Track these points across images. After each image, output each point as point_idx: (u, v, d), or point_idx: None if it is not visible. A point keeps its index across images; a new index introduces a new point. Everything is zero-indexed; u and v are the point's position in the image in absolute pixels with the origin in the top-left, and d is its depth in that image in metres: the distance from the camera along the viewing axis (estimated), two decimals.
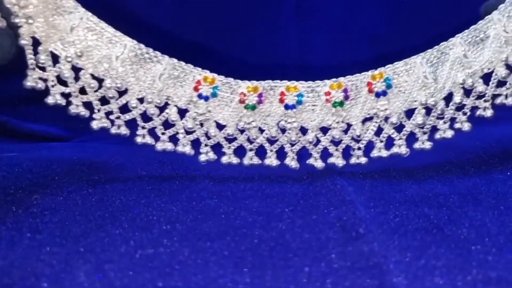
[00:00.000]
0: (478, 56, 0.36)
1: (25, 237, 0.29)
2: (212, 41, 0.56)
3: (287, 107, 0.37)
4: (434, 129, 0.38)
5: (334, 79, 0.38)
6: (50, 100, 0.36)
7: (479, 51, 0.36)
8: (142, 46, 0.37)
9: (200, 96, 0.37)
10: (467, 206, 0.33)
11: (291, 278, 0.25)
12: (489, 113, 0.37)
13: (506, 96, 0.37)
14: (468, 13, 0.40)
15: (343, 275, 0.25)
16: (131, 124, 0.38)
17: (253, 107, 0.37)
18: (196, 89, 0.37)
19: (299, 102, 0.37)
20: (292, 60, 0.55)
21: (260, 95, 0.37)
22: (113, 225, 0.31)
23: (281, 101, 0.38)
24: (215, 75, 0.38)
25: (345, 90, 0.37)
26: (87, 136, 0.56)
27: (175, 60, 0.37)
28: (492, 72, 0.37)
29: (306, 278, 0.25)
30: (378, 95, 0.37)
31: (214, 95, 0.37)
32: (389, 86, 0.37)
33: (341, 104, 0.37)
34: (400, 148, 0.38)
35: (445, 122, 0.37)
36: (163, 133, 0.38)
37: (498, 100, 0.37)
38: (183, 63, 0.38)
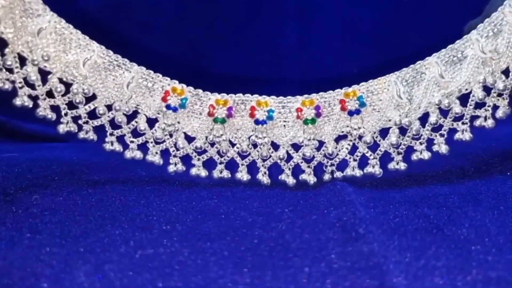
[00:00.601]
0: (455, 76, 0.35)
1: (25, 237, 0.29)
2: (211, 43, 0.56)
3: (257, 122, 0.36)
4: (412, 149, 0.37)
5: (306, 95, 0.37)
6: (17, 101, 0.36)
7: (456, 71, 0.35)
8: (111, 52, 0.36)
9: (168, 107, 0.36)
10: (467, 206, 0.33)
11: (291, 278, 0.25)
12: (467, 136, 0.36)
13: (485, 118, 0.36)
14: (472, 16, 0.40)
15: (343, 275, 0.25)
16: (100, 131, 0.38)
17: (222, 121, 0.36)
18: (164, 99, 0.36)
19: (270, 118, 0.36)
20: (293, 63, 0.55)
21: (229, 109, 0.36)
22: (113, 226, 0.31)
23: (252, 116, 0.36)
24: (184, 86, 0.37)
25: (317, 107, 0.36)
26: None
27: (144, 69, 0.37)
28: (470, 93, 0.35)
29: (306, 278, 0.25)
30: (351, 113, 0.36)
31: (182, 106, 0.37)
32: (362, 105, 0.36)
33: (312, 121, 0.36)
34: (374, 168, 0.37)
35: (421, 143, 0.36)
36: (131, 141, 0.38)
37: (477, 122, 0.36)
38: (152, 72, 0.37)
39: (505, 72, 0.35)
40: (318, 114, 0.36)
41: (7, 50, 0.36)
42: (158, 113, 0.37)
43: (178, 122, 0.37)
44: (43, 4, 0.36)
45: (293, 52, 0.57)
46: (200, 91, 0.37)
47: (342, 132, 0.37)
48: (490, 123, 0.35)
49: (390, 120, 0.36)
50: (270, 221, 0.32)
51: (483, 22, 0.35)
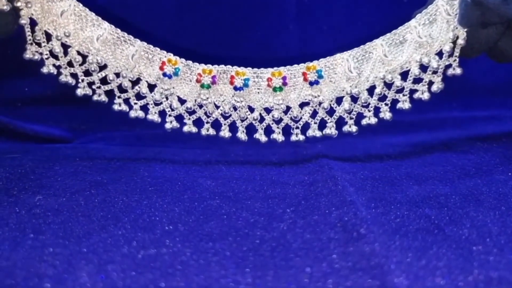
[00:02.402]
0: (397, 56, 0.42)
1: (28, 237, 0.30)
2: (213, 42, 0.57)
3: (236, 88, 0.43)
4: (361, 116, 0.43)
5: (276, 68, 0.43)
6: (44, 69, 0.43)
7: (399, 52, 0.42)
8: (119, 30, 0.43)
9: (164, 75, 0.43)
10: (468, 206, 0.33)
11: (293, 279, 0.25)
12: (407, 106, 0.43)
13: (422, 92, 0.42)
14: None
15: (344, 276, 0.25)
16: (110, 95, 0.45)
17: (208, 86, 0.43)
18: (161, 68, 0.43)
19: (246, 85, 0.43)
20: (293, 61, 0.55)
21: (213, 77, 0.43)
22: (115, 226, 0.31)
23: (231, 83, 0.43)
24: (177, 58, 0.44)
25: (284, 78, 0.43)
26: (90, 137, 0.57)
27: (145, 44, 0.44)
28: (409, 70, 0.42)
29: (308, 279, 0.25)
30: (311, 83, 0.43)
31: (176, 74, 0.43)
32: (320, 77, 0.43)
33: (280, 89, 0.43)
34: (331, 129, 0.43)
35: (369, 111, 0.43)
36: (135, 103, 0.44)
37: (416, 95, 0.42)
38: (152, 47, 0.44)
39: (439, 54, 0.41)
40: (284, 83, 0.43)
41: (36, 27, 0.43)
42: (157, 80, 0.44)
43: (173, 87, 0.44)
44: None
45: (293, 52, 0.57)
46: (190, 62, 0.44)
47: (305, 99, 0.43)
48: (426, 95, 0.42)
49: (343, 90, 0.43)
50: (271, 222, 0.32)
51: (421, 13, 0.41)
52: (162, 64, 0.43)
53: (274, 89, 0.43)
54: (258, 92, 0.44)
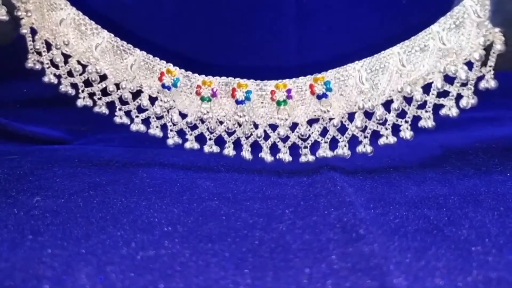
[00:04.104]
0: (418, 66, 0.37)
1: (26, 239, 0.30)
2: (211, 45, 0.57)
3: (237, 102, 0.40)
4: (379, 134, 0.39)
5: (280, 80, 0.40)
6: (45, 79, 0.43)
7: (419, 61, 0.37)
8: (118, 39, 0.42)
9: (163, 86, 0.41)
10: (467, 207, 0.33)
11: (292, 279, 0.25)
12: (430, 124, 0.37)
13: (450, 108, 0.37)
14: None
15: (343, 276, 0.25)
16: (111, 107, 0.43)
17: (208, 99, 0.41)
18: (160, 79, 0.41)
19: (248, 98, 0.40)
20: (292, 64, 0.55)
21: (213, 89, 0.41)
22: (114, 227, 0.31)
23: (233, 96, 0.40)
24: (177, 68, 0.42)
25: (288, 91, 0.40)
26: (89, 139, 0.57)
27: (144, 53, 0.42)
28: (432, 82, 0.37)
29: (307, 279, 0.25)
30: (319, 97, 0.39)
31: (175, 85, 0.41)
32: (329, 89, 0.39)
33: (284, 102, 0.39)
34: (343, 150, 0.40)
35: (386, 129, 0.38)
36: (136, 116, 0.43)
37: (443, 111, 0.37)
38: (151, 57, 0.42)
39: (468, 64, 0.36)
40: (289, 97, 0.40)
41: (36, 37, 0.42)
42: (158, 92, 0.42)
43: (173, 101, 0.42)
44: (64, 0, 0.42)
45: (292, 54, 0.57)
46: (190, 72, 0.42)
47: (314, 115, 0.40)
48: (454, 112, 0.36)
49: (355, 105, 0.39)
50: (271, 223, 0.32)
51: (446, 16, 0.36)
52: (161, 75, 0.41)
53: (278, 103, 0.39)
54: (262, 107, 0.40)
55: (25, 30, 0.42)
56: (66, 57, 0.43)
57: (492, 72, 0.35)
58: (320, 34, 0.56)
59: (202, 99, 0.41)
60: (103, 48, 0.42)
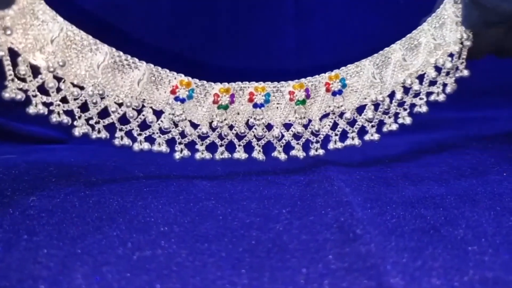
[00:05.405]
0: (414, 60, 0.42)
1: (22, 239, 0.29)
2: (210, 46, 0.56)
3: (255, 106, 0.41)
4: (382, 123, 0.43)
5: (297, 80, 0.41)
6: (31, 110, 0.36)
7: (414, 56, 0.42)
8: (121, 53, 0.38)
9: (176, 99, 0.40)
10: (463, 207, 0.33)
11: (289, 279, 0.25)
12: (424, 109, 0.42)
13: (438, 94, 0.42)
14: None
15: (340, 276, 0.25)
16: (109, 128, 0.39)
17: (225, 107, 0.40)
18: (173, 92, 0.39)
19: (267, 101, 0.41)
20: (291, 64, 0.55)
21: (232, 96, 0.40)
22: (110, 227, 0.31)
23: (250, 100, 0.41)
24: (190, 78, 0.40)
25: (306, 90, 0.41)
26: (84, 139, 0.56)
27: (152, 66, 0.39)
28: (425, 73, 0.42)
29: (304, 279, 0.25)
30: (334, 93, 0.41)
31: (190, 97, 0.40)
32: (344, 86, 0.42)
33: (303, 102, 0.41)
34: (354, 140, 0.42)
35: (389, 117, 0.43)
36: (139, 134, 0.40)
37: (432, 97, 0.42)
38: (160, 68, 0.39)
39: (451, 56, 0.42)
40: (307, 96, 0.41)
41: (19, 59, 0.35)
42: (166, 105, 0.39)
43: (184, 112, 0.40)
44: (51, 11, 0.36)
45: (291, 53, 0.57)
46: (205, 82, 0.40)
47: (325, 111, 0.42)
48: (442, 97, 0.42)
49: (366, 98, 0.42)
50: (267, 222, 0.32)
51: (432, 16, 0.42)
52: (174, 88, 0.39)
53: (297, 103, 0.41)
54: (277, 108, 0.41)
55: (1, 53, 0.34)
56: (57, 80, 0.37)
57: (464, 62, 0.42)
58: (318, 33, 0.56)
59: (220, 107, 0.40)
60: (105, 66, 0.38)
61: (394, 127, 0.42)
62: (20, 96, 0.36)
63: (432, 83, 0.42)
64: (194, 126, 0.41)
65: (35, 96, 0.36)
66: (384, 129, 0.42)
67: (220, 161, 0.42)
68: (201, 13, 0.55)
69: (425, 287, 0.24)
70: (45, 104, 0.37)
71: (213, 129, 0.41)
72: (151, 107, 0.39)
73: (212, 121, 0.41)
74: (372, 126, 0.42)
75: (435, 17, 0.42)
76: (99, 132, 0.39)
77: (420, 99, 0.42)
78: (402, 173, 0.41)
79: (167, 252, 0.28)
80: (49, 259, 0.27)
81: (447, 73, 0.42)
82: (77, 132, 0.38)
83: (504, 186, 0.37)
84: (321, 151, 0.42)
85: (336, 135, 0.42)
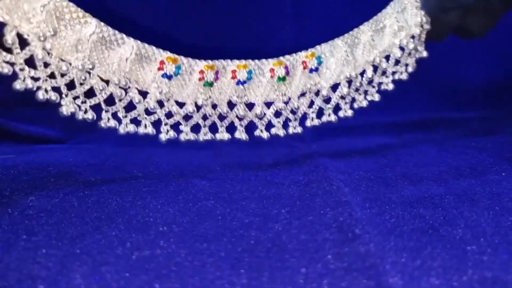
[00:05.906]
0: (381, 40, 0.45)
1: (21, 239, 0.29)
2: (208, 44, 0.56)
3: (238, 83, 0.42)
4: (353, 100, 0.45)
5: (276, 58, 0.43)
6: (17, 85, 0.35)
7: (380, 37, 0.45)
8: (110, 28, 0.37)
9: (164, 76, 0.39)
10: (462, 206, 0.33)
11: (288, 279, 0.25)
12: (390, 86, 0.45)
13: (401, 73, 0.45)
14: None
15: (339, 276, 0.25)
16: (96, 110, 0.39)
17: (211, 84, 0.41)
18: (160, 68, 0.39)
19: (249, 78, 0.42)
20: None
21: (217, 73, 0.41)
22: (109, 227, 0.31)
23: (234, 77, 0.42)
24: (176, 55, 0.40)
25: (286, 67, 0.43)
26: (83, 138, 0.56)
27: (139, 42, 0.39)
28: (391, 53, 0.45)
29: (303, 279, 0.25)
30: (311, 71, 0.43)
31: (176, 74, 0.40)
32: (320, 63, 0.43)
33: (283, 79, 0.43)
34: (330, 116, 0.44)
35: (360, 94, 0.45)
36: (125, 116, 0.39)
37: (396, 76, 0.45)
38: (147, 45, 0.39)
39: (413, 38, 0.45)
40: (287, 73, 0.43)
41: (6, 29, 0.33)
42: (152, 83, 0.39)
43: (170, 89, 0.40)
44: None
45: (289, 50, 0.57)
46: (190, 59, 0.40)
47: (303, 89, 0.43)
48: (404, 76, 0.45)
49: (339, 76, 0.44)
50: (266, 222, 0.32)
51: (394, 1, 0.45)
52: (161, 64, 0.39)
53: (278, 79, 0.42)
54: (259, 86, 0.42)
55: None
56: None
57: (423, 44, 0.45)
58: (316, 31, 0.56)
59: (205, 84, 0.41)
60: (93, 40, 0.36)
61: (364, 103, 0.45)
62: (7, 69, 0.34)
63: (397, 62, 0.45)
64: (180, 106, 0.41)
65: (22, 69, 0.34)
66: (355, 105, 0.45)
67: (220, 161, 0.42)
68: (198, 11, 0.55)
69: (424, 286, 0.24)
70: (33, 79, 0.35)
71: (198, 108, 0.41)
72: (136, 88, 0.39)
73: (197, 101, 0.41)
74: (345, 103, 0.44)
75: (397, 2, 0.45)
76: (85, 112, 0.38)
77: (386, 77, 0.45)
78: (401, 173, 0.41)
79: (166, 252, 0.28)
80: (48, 259, 0.27)
81: (409, 54, 0.45)
82: (64, 110, 0.37)
83: (503, 186, 0.37)
84: (299, 129, 0.44)
85: (313, 112, 0.44)
